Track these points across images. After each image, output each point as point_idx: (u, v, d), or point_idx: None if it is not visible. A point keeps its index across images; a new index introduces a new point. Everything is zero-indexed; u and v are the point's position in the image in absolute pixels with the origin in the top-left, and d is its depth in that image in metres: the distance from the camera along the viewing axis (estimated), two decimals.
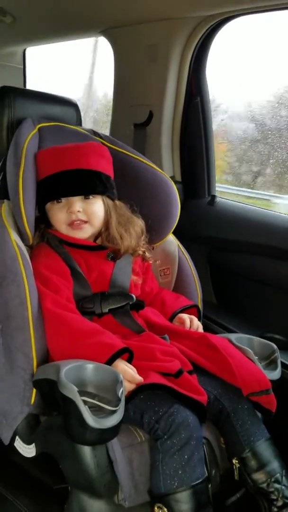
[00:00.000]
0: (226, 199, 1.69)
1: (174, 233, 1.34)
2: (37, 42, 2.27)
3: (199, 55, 1.56)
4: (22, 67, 2.45)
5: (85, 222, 1.11)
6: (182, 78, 1.57)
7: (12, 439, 0.98)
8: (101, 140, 1.29)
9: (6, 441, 0.98)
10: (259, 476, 0.96)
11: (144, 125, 1.64)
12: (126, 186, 1.24)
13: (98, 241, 1.17)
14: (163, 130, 1.63)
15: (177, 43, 1.52)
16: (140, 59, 1.60)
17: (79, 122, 1.34)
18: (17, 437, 0.97)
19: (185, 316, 1.19)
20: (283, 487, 0.95)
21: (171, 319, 1.20)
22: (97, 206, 1.13)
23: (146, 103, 1.63)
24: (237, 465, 0.98)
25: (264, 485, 0.95)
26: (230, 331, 1.42)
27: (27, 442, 0.96)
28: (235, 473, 0.98)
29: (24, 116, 1.21)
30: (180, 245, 1.36)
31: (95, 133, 1.31)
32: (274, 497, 0.94)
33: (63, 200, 1.10)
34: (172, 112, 1.62)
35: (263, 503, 0.95)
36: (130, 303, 1.11)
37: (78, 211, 1.10)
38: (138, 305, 1.14)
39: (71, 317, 0.99)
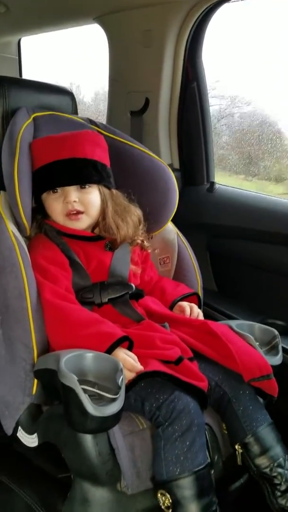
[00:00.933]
0: (226, 185, 1.67)
1: (173, 221, 1.33)
2: (32, 32, 2.24)
3: (194, 39, 1.54)
4: (17, 57, 2.43)
5: (82, 212, 1.10)
6: (178, 63, 1.55)
7: (15, 429, 0.98)
8: (97, 128, 1.27)
9: (9, 432, 0.99)
10: (262, 461, 0.96)
11: (140, 113, 1.62)
12: (124, 175, 1.23)
13: (96, 231, 1.16)
14: (160, 117, 1.61)
15: (172, 28, 1.50)
16: (134, 45, 1.59)
17: (74, 111, 1.33)
18: (19, 427, 0.98)
19: (185, 304, 1.19)
20: (286, 471, 0.95)
21: (171, 307, 1.19)
22: (93, 196, 1.12)
23: (142, 89, 1.61)
24: (240, 451, 0.98)
25: (267, 470, 0.95)
26: (231, 318, 1.42)
27: (30, 432, 0.96)
28: (238, 459, 0.98)
29: (19, 106, 1.20)
30: (179, 233, 1.35)
31: (91, 121, 1.30)
32: (278, 482, 0.94)
33: (59, 190, 1.10)
34: (169, 98, 1.60)
35: (266, 488, 0.96)
36: (130, 292, 1.11)
37: (74, 201, 1.09)
38: (138, 294, 1.13)
39: (71, 307, 0.98)
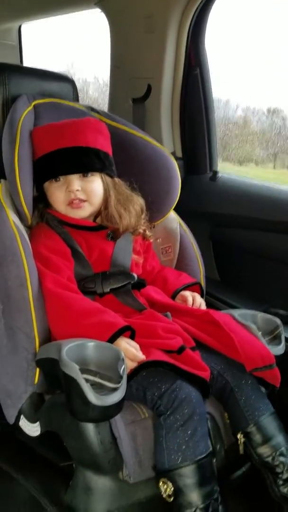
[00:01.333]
0: (229, 174, 1.66)
1: (176, 210, 1.32)
2: (32, 18, 2.22)
3: (197, 24, 1.51)
4: (17, 44, 2.40)
5: (84, 201, 1.09)
6: (181, 49, 1.53)
7: (17, 418, 0.98)
8: (99, 116, 1.26)
9: (11, 421, 0.99)
10: (264, 450, 0.96)
11: (142, 100, 1.60)
12: (126, 163, 1.22)
13: (98, 220, 1.15)
14: (162, 104, 1.59)
15: (175, 13, 1.47)
16: (136, 30, 1.56)
17: (75, 98, 1.31)
18: (22, 416, 0.98)
19: (187, 294, 1.18)
20: None
21: (173, 297, 1.19)
22: (96, 184, 1.11)
23: (144, 76, 1.59)
24: (242, 440, 0.98)
25: (269, 459, 0.95)
26: (234, 307, 1.41)
27: (32, 420, 0.96)
28: (240, 448, 0.98)
29: (19, 93, 1.18)
30: (182, 222, 1.34)
31: (92, 109, 1.28)
32: (280, 470, 0.95)
33: (61, 178, 1.09)
34: (171, 85, 1.58)
35: (268, 477, 0.96)
36: (132, 282, 1.10)
37: (77, 190, 1.08)
38: (140, 284, 1.13)
39: (72, 297, 0.98)
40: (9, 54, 2.33)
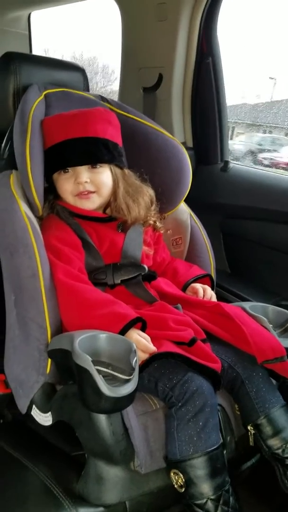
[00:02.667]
0: (241, 164, 1.64)
1: (186, 201, 1.31)
2: (42, 6, 2.19)
3: (210, 12, 1.49)
4: (27, 32, 2.38)
5: (93, 192, 1.09)
6: (193, 37, 1.51)
7: (29, 408, 0.99)
8: (109, 105, 1.25)
9: (23, 410, 1.00)
10: (274, 442, 0.96)
11: (153, 89, 1.59)
12: (136, 154, 1.21)
13: (108, 212, 1.15)
14: (173, 94, 1.57)
15: (187, 0, 1.44)
16: (148, 18, 1.54)
17: (86, 87, 1.30)
18: (33, 406, 0.99)
19: (198, 286, 1.18)
20: None
21: (184, 289, 1.19)
22: (105, 176, 1.10)
23: (155, 65, 1.57)
24: (252, 432, 0.98)
25: (280, 451, 0.95)
26: (244, 299, 1.41)
27: (44, 410, 0.97)
28: (250, 439, 0.98)
29: (30, 82, 1.18)
30: (192, 214, 1.33)
31: (103, 98, 1.27)
32: None
33: (70, 170, 1.08)
34: (183, 74, 1.56)
35: (278, 468, 0.96)
36: (142, 274, 1.10)
37: (86, 182, 1.07)
38: (150, 276, 1.13)
39: (84, 288, 0.98)
40: (18, 42, 2.32)
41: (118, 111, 1.23)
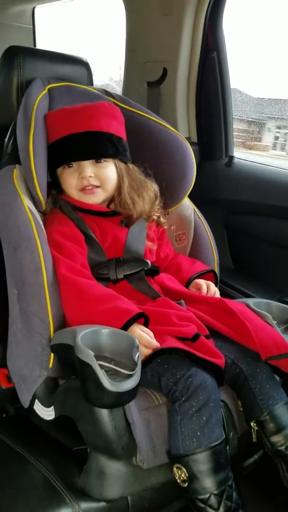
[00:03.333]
0: (245, 160, 1.63)
1: (190, 196, 1.31)
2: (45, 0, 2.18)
3: (215, 5, 1.48)
4: (31, 27, 2.38)
5: (98, 187, 1.08)
6: (198, 32, 1.50)
7: (32, 402, 0.99)
8: (113, 100, 1.24)
9: (26, 404, 1.00)
10: (277, 439, 0.96)
11: (158, 83, 1.58)
12: (140, 148, 1.20)
13: (112, 207, 1.14)
14: (178, 88, 1.56)
15: None
16: (153, 12, 1.53)
17: (90, 81, 1.29)
18: (36, 400, 0.99)
19: (201, 282, 1.17)
20: None
21: (187, 284, 1.18)
22: (109, 170, 1.09)
23: (159, 59, 1.56)
24: (255, 428, 0.98)
25: (282, 448, 0.95)
26: (248, 296, 1.40)
27: (46, 405, 0.97)
28: (253, 436, 0.98)
29: (33, 76, 1.17)
30: (196, 209, 1.33)
31: (107, 92, 1.26)
32: None
33: (74, 164, 1.08)
34: (187, 69, 1.55)
35: (280, 465, 0.96)
36: (145, 269, 1.09)
37: (90, 176, 1.07)
38: (153, 271, 1.12)
39: (87, 283, 0.98)
40: (23, 37, 2.31)
41: (122, 105, 1.23)
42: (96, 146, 1.07)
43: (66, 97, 1.16)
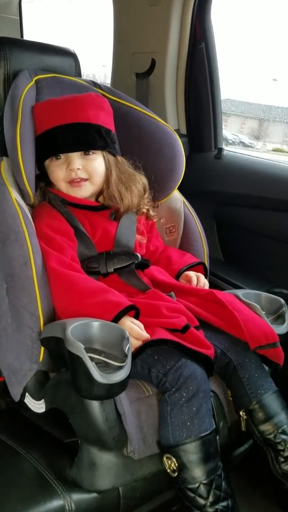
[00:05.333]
0: (234, 152, 1.63)
1: (179, 189, 1.31)
2: None
3: None
4: (18, 18, 2.34)
5: (86, 180, 1.08)
6: (186, 23, 1.49)
7: (22, 396, 0.99)
8: (101, 91, 1.23)
9: (16, 398, 1.00)
10: (266, 428, 0.97)
11: (146, 75, 1.57)
12: (129, 140, 1.20)
13: (100, 200, 1.14)
14: (166, 80, 1.56)
15: None
16: (140, 3, 1.51)
17: (78, 73, 1.28)
18: (26, 394, 0.99)
19: (191, 274, 1.18)
20: None
21: (177, 277, 1.19)
22: (98, 163, 1.09)
23: (148, 50, 1.55)
24: (244, 417, 0.99)
25: (271, 436, 0.96)
26: (237, 287, 1.41)
27: (37, 398, 0.97)
28: (242, 425, 0.99)
29: (20, 68, 1.16)
30: (186, 202, 1.33)
31: (95, 84, 1.26)
32: (281, 448, 0.96)
33: (62, 156, 1.07)
34: (176, 60, 1.54)
35: (269, 454, 0.97)
36: (135, 262, 1.10)
37: (78, 169, 1.06)
38: (143, 264, 1.13)
39: (77, 276, 0.98)
40: (9, 28, 2.28)
41: (111, 97, 1.22)
42: (84, 138, 1.06)
43: (54, 88, 1.16)
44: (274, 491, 1.13)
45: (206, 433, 0.88)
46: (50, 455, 0.93)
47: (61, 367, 0.94)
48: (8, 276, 0.97)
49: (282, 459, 0.95)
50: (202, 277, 1.19)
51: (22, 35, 2.35)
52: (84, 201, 1.10)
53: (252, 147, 2.41)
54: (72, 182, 1.07)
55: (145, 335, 0.91)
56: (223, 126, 1.65)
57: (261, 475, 1.07)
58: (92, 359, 0.80)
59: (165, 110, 1.59)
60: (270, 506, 1.18)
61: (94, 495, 0.88)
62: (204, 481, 0.85)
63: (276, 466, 0.96)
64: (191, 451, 0.86)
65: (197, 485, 0.85)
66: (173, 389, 0.89)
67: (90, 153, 1.08)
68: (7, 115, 1.06)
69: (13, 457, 0.93)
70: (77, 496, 0.86)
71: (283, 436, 0.96)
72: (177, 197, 1.31)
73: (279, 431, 0.96)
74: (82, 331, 0.84)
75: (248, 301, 1.08)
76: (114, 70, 1.71)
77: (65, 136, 1.05)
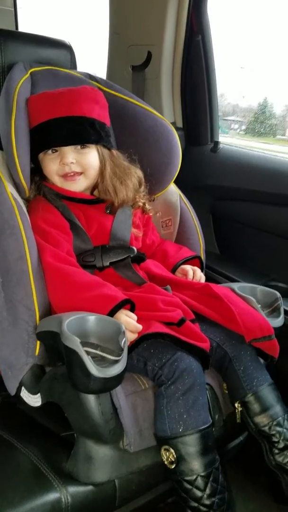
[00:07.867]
0: (230, 145, 1.63)
1: (176, 182, 1.30)
2: None
3: None
4: (13, 9, 2.32)
5: (80, 173, 1.07)
6: (182, 15, 1.48)
7: (18, 390, 0.99)
8: (97, 84, 1.22)
9: (12, 392, 1.00)
10: (261, 419, 0.97)
11: (142, 67, 1.56)
12: (125, 134, 1.19)
13: (95, 193, 1.14)
14: (162, 72, 1.55)
15: None
16: None
17: (73, 65, 1.27)
18: (22, 388, 0.99)
19: (187, 267, 1.18)
20: (284, 430, 0.97)
21: (173, 270, 1.19)
22: (92, 157, 1.08)
23: (144, 43, 1.54)
24: (240, 409, 0.99)
25: (266, 428, 0.97)
26: (233, 280, 1.41)
27: (33, 392, 0.97)
28: (237, 417, 1.00)
29: (15, 60, 1.15)
30: (182, 195, 1.32)
31: (91, 76, 1.25)
32: (276, 440, 0.96)
33: (56, 150, 1.06)
34: (172, 53, 1.53)
35: (264, 445, 0.98)
36: (131, 256, 1.09)
37: (72, 163, 1.05)
38: (139, 258, 1.12)
39: (72, 271, 0.97)
40: (4, 20, 2.26)
41: (107, 90, 1.21)
42: (78, 131, 1.05)
43: (49, 81, 1.15)
44: (268, 483, 1.14)
45: (205, 426, 0.89)
46: (46, 448, 0.94)
47: (57, 361, 0.95)
48: (4, 270, 0.97)
49: (276, 451, 0.96)
50: (198, 270, 1.19)
51: (17, 27, 2.33)
52: (79, 194, 1.10)
53: None
54: (65, 176, 1.07)
55: (140, 326, 0.91)
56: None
57: (256, 467, 1.08)
58: (88, 353, 0.80)
59: (161, 103, 1.58)
60: (265, 497, 1.19)
61: (90, 487, 0.88)
62: (202, 474, 0.86)
63: (270, 458, 0.97)
64: (190, 444, 0.87)
65: (194, 477, 0.86)
66: (169, 382, 0.90)
67: (84, 146, 1.07)
68: (1, 108, 1.05)
69: (9, 451, 0.93)
70: (73, 489, 0.87)
71: (278, 428, 0.97)
72: (173, 191, 1.31)
73: (274, 423, 0.97)
74: (78, 325, 0.84)
75: (244, 295, 1.08)
76: (110, 62, 1.70)
77: (59, 129, 1.04)
